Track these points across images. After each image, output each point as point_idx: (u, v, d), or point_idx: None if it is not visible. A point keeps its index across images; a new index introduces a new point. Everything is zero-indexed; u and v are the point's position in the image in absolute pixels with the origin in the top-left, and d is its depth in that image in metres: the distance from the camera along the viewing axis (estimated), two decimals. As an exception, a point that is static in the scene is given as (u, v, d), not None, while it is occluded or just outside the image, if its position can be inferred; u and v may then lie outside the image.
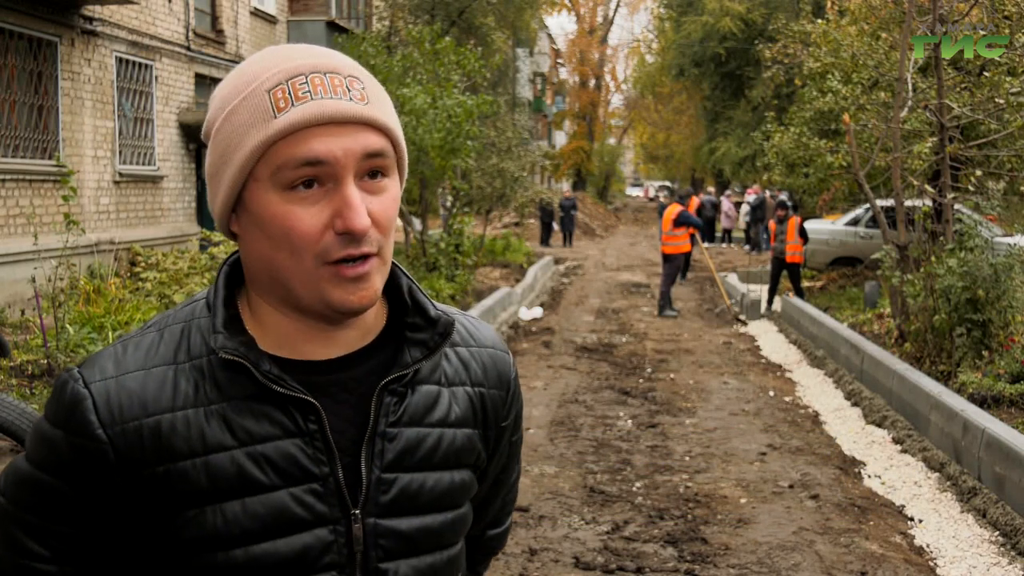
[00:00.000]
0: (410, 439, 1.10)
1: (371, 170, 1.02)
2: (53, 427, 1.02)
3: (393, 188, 1.05)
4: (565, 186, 39.13)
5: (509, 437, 1.26)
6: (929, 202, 9.50)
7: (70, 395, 1.01)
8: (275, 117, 0.98)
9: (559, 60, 57.59)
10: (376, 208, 1.02)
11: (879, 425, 7.37)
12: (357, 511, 1.06)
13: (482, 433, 1.19)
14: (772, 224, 14.53)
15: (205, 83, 16.01)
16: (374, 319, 1.13)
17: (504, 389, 1.22)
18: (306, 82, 1.00)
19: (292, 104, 0.98)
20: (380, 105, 1.04)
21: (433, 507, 1.11)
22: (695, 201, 18.53)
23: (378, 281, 1.04)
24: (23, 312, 10.29)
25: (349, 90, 1.01)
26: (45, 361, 6.81)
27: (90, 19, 12.27)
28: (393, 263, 1.11)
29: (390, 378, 1.08)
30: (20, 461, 1.05)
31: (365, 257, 1.01)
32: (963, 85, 9.91)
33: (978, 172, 10.05)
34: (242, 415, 1.03)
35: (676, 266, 14.05)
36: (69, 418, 1.01)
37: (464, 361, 1.18)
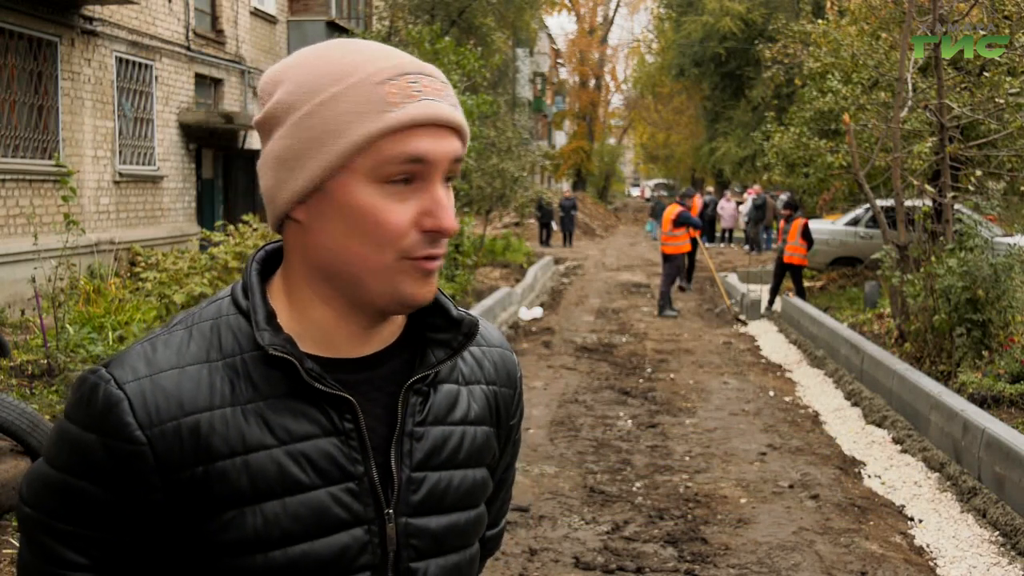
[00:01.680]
0: (436, 438, 1.11)
1: (449, 175, 1.05)
2: (85, 431, 0.99)
3: (452, 194, 1.08)
4: (565, 186, 39.16)
5: (513, 436, 1.27)
6: (929, 202, 9.50)
7: (103, 397, 0.98)
8: (389, 111, 0.99)
9: (559, 60, 57.58)
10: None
11: (879, 425, 7.37)
12: (390, 510, 1.06)
13: (496, 431, 1.20)
14: (781, 223, 14.53)
15: (205, 83, 16.02)
16: (399, 318, 1.13)
17: (512, 387, 1.24)
18: (416, 81, 1.02)
19: (405, 101, 1.00)
20: (462, 113, 1.07)
21: (459, 505, 1.12)
22: (697, 201, 18.40)
23: (437, 279, 1.07)
24: (23, 312, 10.29)
25: (446, 96, 1.04)
26: (45, 361, 6.81)
27: (90, 19, 12.28)
28: None
29: (416, 378, 1.09)
30: (43, 468, 1.02)
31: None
32: (963, 85, 9.91)
33: (978, 172, 10.05)
34: (280, 413, 1.02)
35: (676, 266, 14.04)
36: (104, 421, 0.98)
37: (478, 360, 1.20)
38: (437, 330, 1.12)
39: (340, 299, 1.06)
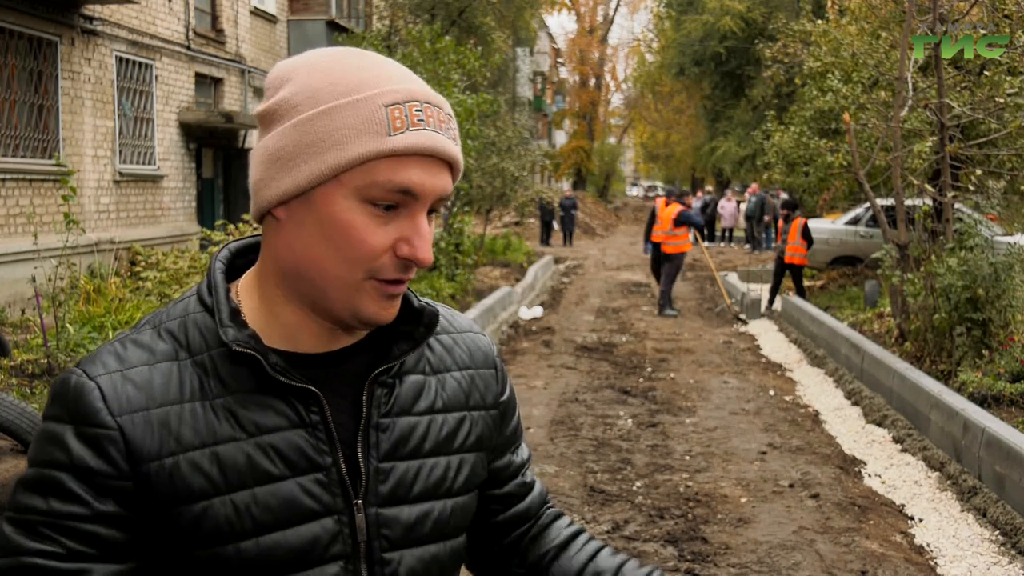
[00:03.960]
0: (403, 428, 1.13)
1: (432, 208, 1.06)
2: (58, 423, 1.01)
3: (433, 225, 1.09)
4: (565, 185, 39.17)
5: (510, 413, 1.29)
6: (929, 201, 9.50)
7: (75, 388, 1.01)
8: (389, 135, 1.00)
9: (559, 59, 57.58)
10: None
11: (879, 424, 7.37)
12: (359, 501, 1.08)
13: (485, 413, 1.22)
14: (780, 222, 14.51)
15: (205, 82, 16.01)
16: None
17: (491, 366, 1.26)
18: (421, 110, 1.02)
19: (408, 128, 1.00)
20: (460, 148, 1.07)
21: (430, 495, 1.13)
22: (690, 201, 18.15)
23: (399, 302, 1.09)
24: (23, 312, 10.29)
25: (448, 129, 1.04)
26: (45, 361, 6.81)
27: (90, 18, 12.28)
28: None
29: (379, 370, 1.11)
30: (26, 470, 1.03)
31: None
32: (963, 84, 9.91)
33: (978, 171, 10.04)
34: (248, 407, 1.04)
35: (677, 265, 14.01)
36: (76, 410, 1.00)
37: (447, 348, 1.22)
38: (401, 322, 1.15)
39: (303, 302, 1.07)
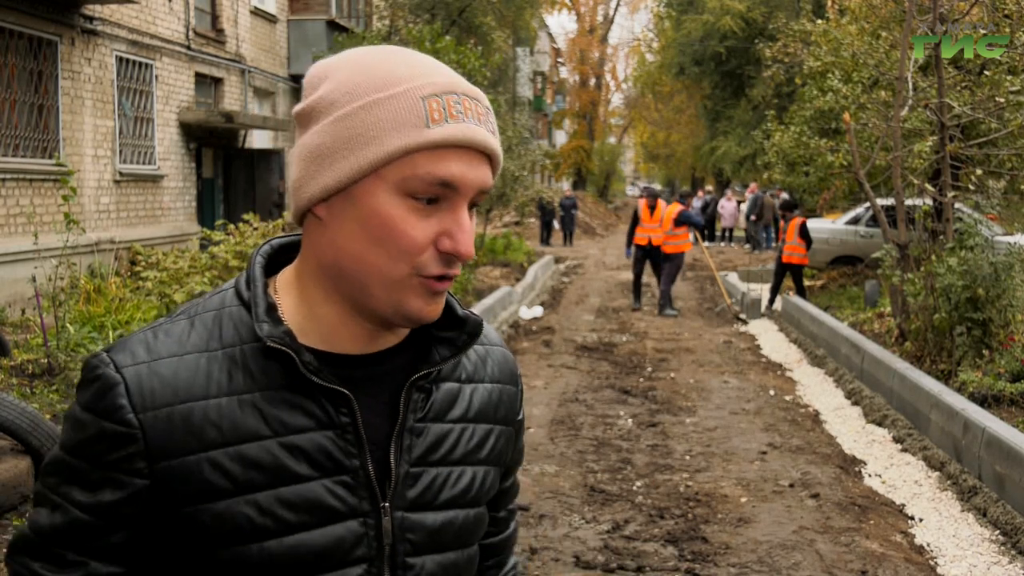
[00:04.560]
0: (437, 434, 1.12)
1: (473, 203, 1.05)
2: (83, 411, 1.02)
3: (474, 220, 1.08)
4: (565, 185, 39.16)
5: (520, 432, 1.29)
6: (929, 201, 9.50)
7: (101, 379, 1.01)
8: (428, 127, 0.99)
9: (559, 59, 57.59)
10: None
11: (879, 424, 7.38)
12: (386, 504, 1.07)
13: (504, 428, 1.21)
14: (781, 222, 14.51)
15: (205, 82, 16.01)
16: None
17: (515, 383, 1.25)
18: (459, 101, 1.01)
19: (446, 120, 1.00)
20: (499, 141, 1.07)
21: (455, 503, 1.13)
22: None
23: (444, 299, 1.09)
24: (23, 311, 10.29)
25: (486, 121, 1.04)
26: (45, 360, 6.81)
27: (90, 18, 12.28)
28: None
29: (419, 375, 1.10)
30: (54, 448, 1.06)
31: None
32: (963, 84, 9.91)
33: (978, 171, 10.04)
34: (276, 405, 1.03)
35: (677, 265, 14.02)
36: (100, 402, 1.00)
37: (481, 358, 1.22)
38: (442, 328, 1.14)
39: (345, 302, 1.06)
